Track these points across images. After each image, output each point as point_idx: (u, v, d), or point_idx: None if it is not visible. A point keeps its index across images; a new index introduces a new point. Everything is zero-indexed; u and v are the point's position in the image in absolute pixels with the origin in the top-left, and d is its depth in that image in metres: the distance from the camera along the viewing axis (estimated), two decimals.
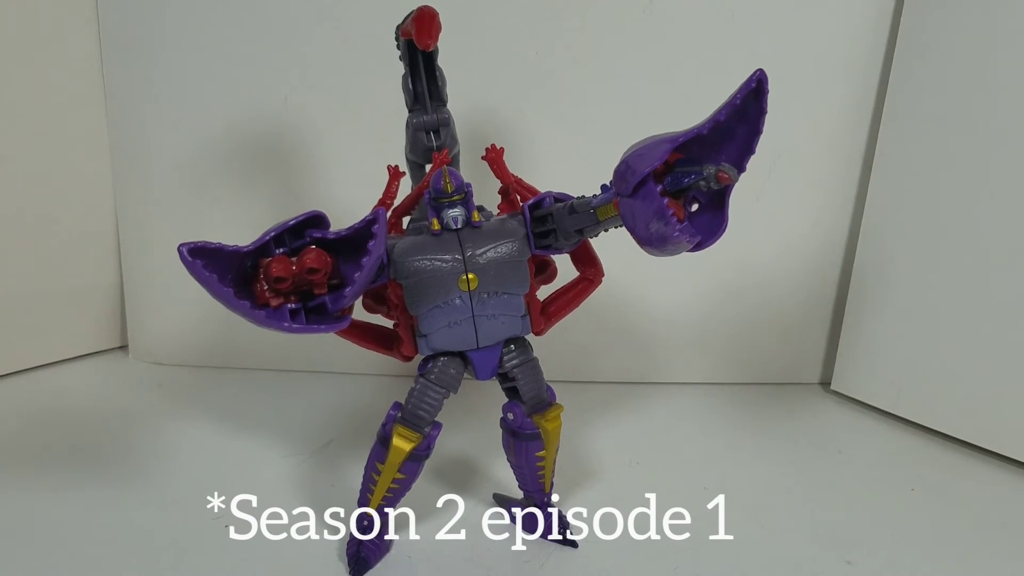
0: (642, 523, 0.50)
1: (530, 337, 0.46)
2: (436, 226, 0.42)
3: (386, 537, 0.47)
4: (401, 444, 0.43)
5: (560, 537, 0.48)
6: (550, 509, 0.49)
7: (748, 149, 0.36)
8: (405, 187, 0.47)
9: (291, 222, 0.37)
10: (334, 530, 0.49)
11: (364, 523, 0.45)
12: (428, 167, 0.50)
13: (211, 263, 0.34)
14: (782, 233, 0.73)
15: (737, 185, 0.37)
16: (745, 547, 0.48)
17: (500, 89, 0.71)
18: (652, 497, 0.54)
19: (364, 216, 0.37)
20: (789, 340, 0.77)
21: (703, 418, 0.69)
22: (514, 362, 0.45)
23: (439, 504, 0.52)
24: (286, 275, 0.36)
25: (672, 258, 0.39)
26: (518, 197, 0.46)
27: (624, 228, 0.38)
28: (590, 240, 0.44)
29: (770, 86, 0.35)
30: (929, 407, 0.66)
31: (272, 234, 0.36)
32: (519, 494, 0.50)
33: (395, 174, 0.46)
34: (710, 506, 0.53)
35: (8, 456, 0.59)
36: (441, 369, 0.44)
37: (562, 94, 0.71)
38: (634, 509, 0.52)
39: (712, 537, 0.49)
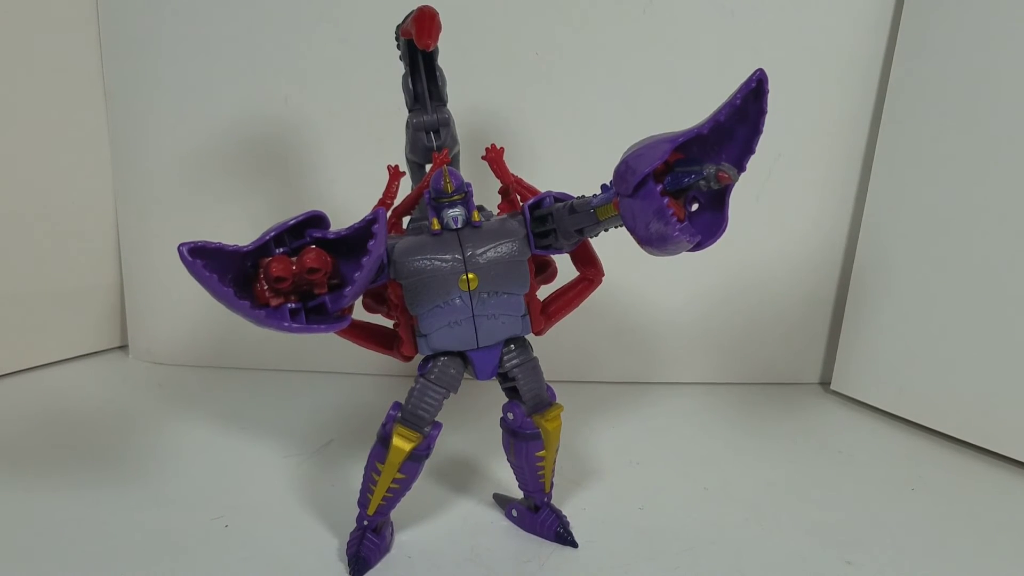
0: (642, 523, 0.50)
1: (530, 337, 0.46)
2: (436, 226, 0.42)
3: (387, 537, 0.47)
4: (401, 444, 0.43)
5: (560, 537, 0.48)
6: (550, 509, 0.49)
7: (748, 149, 0.36)
8: (405, 187, 0.47)
9: (291, 222, 0.37)
10: (334, 530, 0.49)
11: (364, 523, 0.45)
12: (428, 167, 0.50)
13: (211, 263, 0.34)
14: (782, 233, 0.73)
15: (737, 185, 0.37)
16: (745, 547, 0.48)
17: (500, 89, 0.71)
18: (652, 497, 0.54)
19: (364, 216, 0.37)
20: (789, 340, 0.77)
21: (703, 418, 0.69)
22: (514, 362, 0.45)
23: (439, 504, 0.52)
24: (286, 275, 0.36)
25: (672, 258, 0.39)
26: (518, 197, 0.46)
27: (624, 228, 0.38)
28: (590, 240, 0.44)
29: (770, 86, 0.35)
30: (929, 407, 0.66)
31: (272, 234, 0.36)
32: (519, 494, 0.50)
33: (395, 174, 0.46)
34: (710, 506, 0.53)
35: (8, 456, 0.59)
36: (441, 369, 0.44)
37: (562, 94, 0.71)
38: (634, 509, 0.52)
39: (712, 537, 0.49)
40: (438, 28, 0.45)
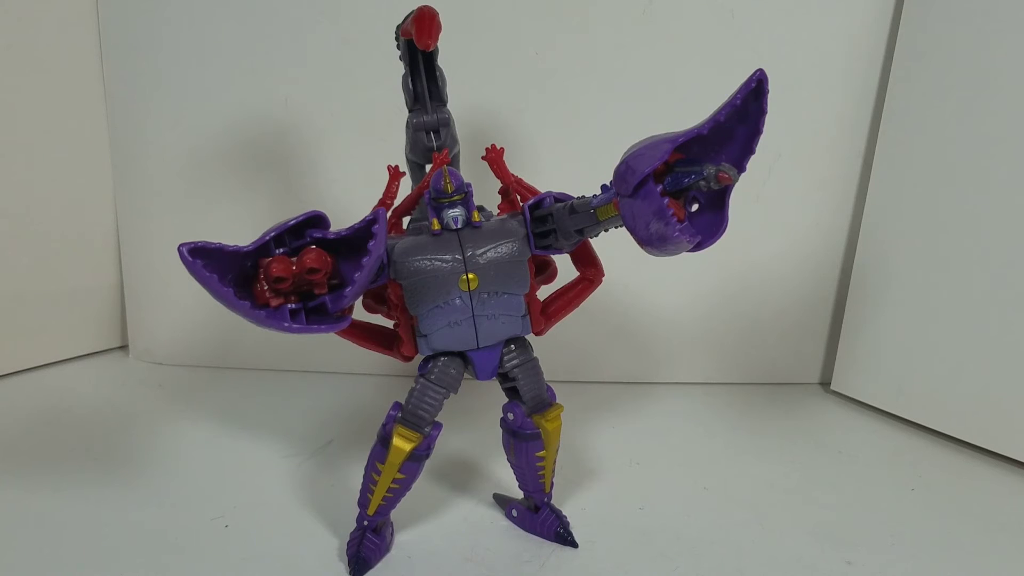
0: (642, 523, 0.50)
1: (530, 337, 0.46)
2: (436, 226, 0.42)
3: (387, 537, 0.47)
4: (401, 444, 0.43)
5: (560, 537, 0.48)
6: (550, 509, 0.49)
7: (748, 149, 0.36)
8: (405, 187, 0.47)
9: (291, 222, 0.37)
10: (334, 530, 0.49)
11: (364, 523, 0.45)
12: (428, 167, 0.50)
13: (211, 263, 0.34)
14: (782, 233, 0.73)
15: (737, 185, 0.37)
16: (745, 547, 0.48)
17: (500, 89, 0.71)
18: (652, 497, 0.54)
19: (364, 216, 0.37)
20: (789, 340, 0.77)
21: (703, 418, 0.69)
22: (514, 362, 0.45)
23: (439, 504, 0.52)
24: (286, 275, 0.36)
25: (672, 258, 0.39)
26: (518, 197, 0.46)
27: (624, 228, 0.38)
28: (590, 240, 0.44)
29: (770, 86, 0.35)
30: (929, 407, 0.66)
31: (272, 234, 0.36)
32: (519, 494, 0.50)
33: (395, 174, 0.46)
34: (710, 506, 0.53)
35: (9, 456, 0.59)
36: (441, 369, 0.44)
37: (562, 94, 0.71)
38: (634, 509, 0.52)
39: (712, 537, 0.49)
40: (438, 28, 0.45)
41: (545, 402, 0.46)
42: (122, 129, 0.80)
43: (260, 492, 0.54)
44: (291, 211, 0.38)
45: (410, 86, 0.49)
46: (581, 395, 0.73)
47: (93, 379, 0.79)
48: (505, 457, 0.49)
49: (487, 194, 0.48)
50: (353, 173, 0.73)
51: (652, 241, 0.37)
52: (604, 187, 0.40)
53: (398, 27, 0.49)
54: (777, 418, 0.70)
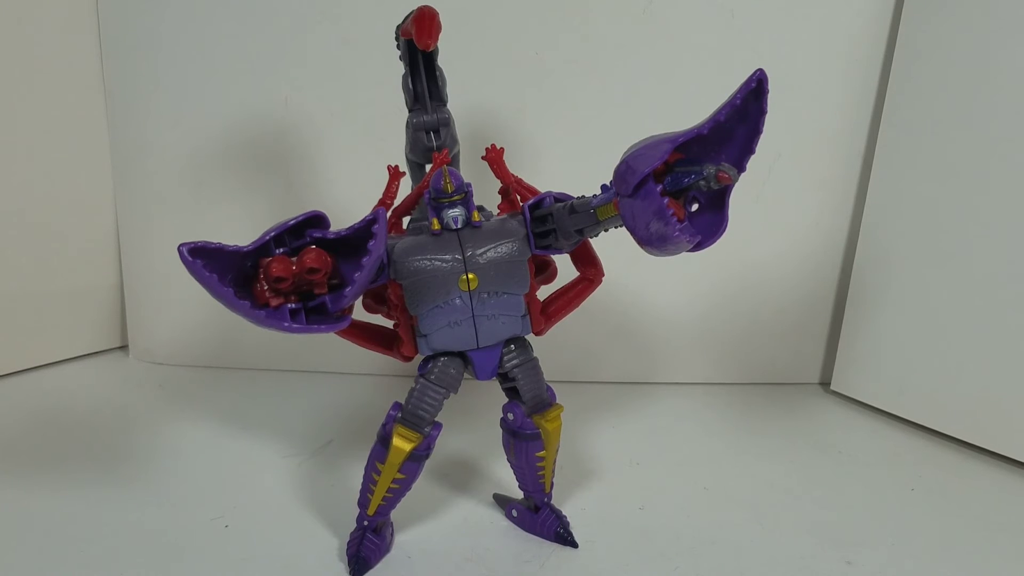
0: (642, 523, 0.50)
1: (530, 337, 0.46)
2: (436, 226, 0.42)
3: (387, 537, 0.47)
4: (401, 444, 0.43)
5: (560, 537, 0.48)
6: (550, 509, 0.49)
7: (748, 149, 0.36)
8: (405, 187, 0.47)
9: (291, 222, 0.37)
10: (334, 530, 0.49)
11: (364, 523, 0.45)
12: (428, 167, 0.50)
13: (211, 263, 0.34)
14: (782, 233, 0.73)
15: (737, 185, 0.37)
16: (745, 547, 0.48)
17: (500, 89, 0.71)
18: (652, 497, 0.54)
19: (364, 216, 0.37)
20: (789, 340, 0.77)
21: (703, 418, 0.69)
22: (514, 362, 0.45)
23: (439, 504, 0.52)
24: (286, 275, 0.36)
25: (672, 258, 0.39)
26: (518, 197, 0.46)
27: (624, 228, 0.38)
28: (590, 240, 0.44)
29: (770, 86, 0.35)
30: (929, 407, 0.66)
31: (272, 234, 0.36)
32: (519, 494, 0.50)
33: (395, 174, 0.46)
34: (710, 506, 0.53)
35: (8, 456, 0.59)
36: (441, 369, 0.44)
37: (562, 94, 0.71)
38: (634, 509, 0.52)
39: (712, 537, 0.49)
40: (438, 28, 0.45)
41: (545, 402, 0.46)
42: (122, 129, 0.80)
43: (260, 492, 0.54)
44: (291, 211, 0.38)
45: (410, 86, 0.49)
46: (581, 395, 0.73)
47: (93, 379, 0.79)
48: (505, 457, 0.49)
49: (487, 194, 0.48)
50: (353, 173, 0.73)
51: (652, 241, 0.37)
52: (604, 187, 0.40)
53: (398, 27, 0.49)
54: (777, 418, 0.70)
